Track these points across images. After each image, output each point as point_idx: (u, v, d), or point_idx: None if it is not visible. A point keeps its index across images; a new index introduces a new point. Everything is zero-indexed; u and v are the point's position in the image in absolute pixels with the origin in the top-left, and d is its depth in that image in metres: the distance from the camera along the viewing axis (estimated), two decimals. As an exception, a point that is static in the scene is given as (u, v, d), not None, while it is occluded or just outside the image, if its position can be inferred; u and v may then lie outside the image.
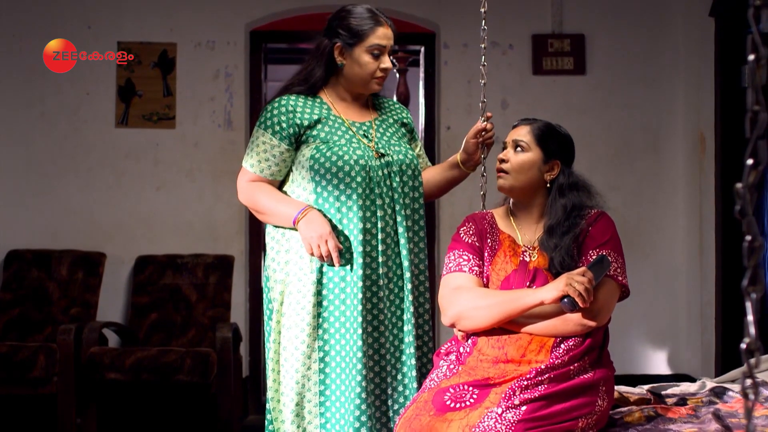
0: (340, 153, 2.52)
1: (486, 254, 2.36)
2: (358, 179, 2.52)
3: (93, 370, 4.22)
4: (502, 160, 2.37)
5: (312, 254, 2.48)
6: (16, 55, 4.95)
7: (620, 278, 2.27)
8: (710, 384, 2.59)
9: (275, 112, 2.58)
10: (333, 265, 2.49)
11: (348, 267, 2.52)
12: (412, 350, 2.55)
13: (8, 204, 4.94)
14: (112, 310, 4.88)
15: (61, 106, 4.97)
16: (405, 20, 5.08)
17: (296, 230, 2.53)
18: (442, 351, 2.38)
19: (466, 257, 2.36)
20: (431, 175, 2.74)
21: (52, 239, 4.91)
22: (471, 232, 2.41)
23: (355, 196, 2.52)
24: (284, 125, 2.56)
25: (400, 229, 2.57)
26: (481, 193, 2.73)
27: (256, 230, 5.13)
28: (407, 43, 5.47)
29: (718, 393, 2.51)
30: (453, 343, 2.37)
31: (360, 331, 2.48)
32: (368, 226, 2.53)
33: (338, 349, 2.53)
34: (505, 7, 5.03)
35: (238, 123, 5.05)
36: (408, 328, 2.56)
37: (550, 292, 2.16)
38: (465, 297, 2.28)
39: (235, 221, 5.03)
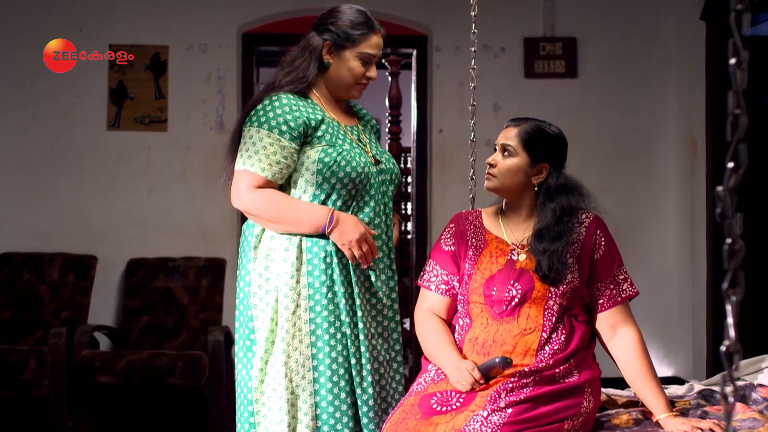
0: (348, 158, 2.42)
1: (470, 253, 2.36)
2: (365, 185, 2.46)
3: (84, 373, 4.22)
4: (491, 165, 2.35)
5: (352, 259, 2.41)
6: (8, 57, 4.95)
7: (631, 291, 2.35)
8: (698, 387, 2.60)
9: (278, 111, 2.40)
10: (371, 267, 2.45)
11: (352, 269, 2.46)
12: (399, 359, 2.56)
13: (-1, 207, 4.93)
14: (103, 313, 4.88)
15: (52, 108, 4.96)
16: (397, 23, 5.09)
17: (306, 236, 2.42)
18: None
19: (435, 272, 2.40)
20: None
21: (44, 242, 4.90)
22: (450, 235, 2.42)
23: (361, 202, 2.46)
24: (292, 124, 2.39)
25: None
26: (470, 196, 2.74)
27: (248, 233, 5.13)
28: (399, 46, 5.47)
29: (706, 396, 2.51)
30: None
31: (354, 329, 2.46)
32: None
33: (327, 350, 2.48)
34: (496, 10, 5.04)
35: (230, 125, 5.02)
36: (397, 337, 2.56)
37: (445, 366, 2.26)
38: (425, 325, 2.40)
39: (226, 224, 5.03)
